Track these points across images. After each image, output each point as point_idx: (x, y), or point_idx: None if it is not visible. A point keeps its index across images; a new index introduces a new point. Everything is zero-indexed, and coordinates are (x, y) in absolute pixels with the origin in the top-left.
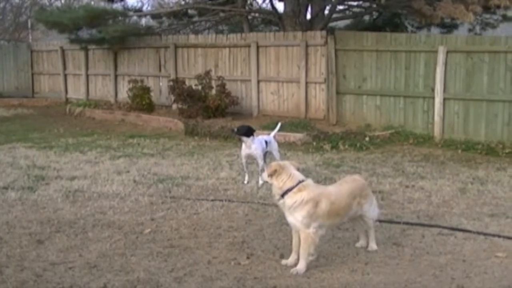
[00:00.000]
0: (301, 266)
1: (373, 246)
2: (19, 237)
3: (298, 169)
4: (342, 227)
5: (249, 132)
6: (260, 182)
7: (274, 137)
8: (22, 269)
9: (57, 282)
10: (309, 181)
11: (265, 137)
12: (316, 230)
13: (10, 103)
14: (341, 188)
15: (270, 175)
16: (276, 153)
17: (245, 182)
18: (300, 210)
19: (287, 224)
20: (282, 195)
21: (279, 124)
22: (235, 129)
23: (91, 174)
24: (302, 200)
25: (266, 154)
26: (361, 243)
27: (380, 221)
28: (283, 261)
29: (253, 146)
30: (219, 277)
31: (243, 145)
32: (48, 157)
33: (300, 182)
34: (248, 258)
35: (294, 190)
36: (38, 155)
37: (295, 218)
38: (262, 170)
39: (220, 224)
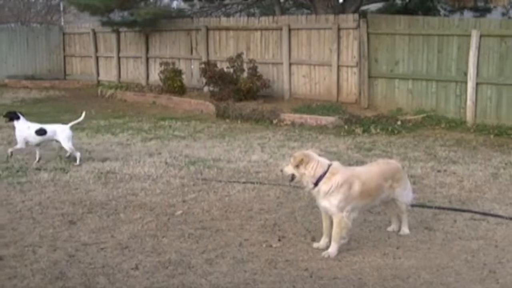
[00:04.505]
0: (333, 249)
1: (405, 230)
2: (51, 217)
3: (319, 154)
4: (373, 211)
5: (13, 116)
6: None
7: (71, 127)
8: (55, 249)
9: (89, 262)
10: (337, 164)
11: (54, 125)
12: (349, 214)
13: (42, 85)
14: (371, 169)
15: (297, 165)
16: (64, 143)
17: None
18: (336, 194)
19: (318, 207)
20: (316, 183)
21: (83, 114)
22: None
23: (123, 155)
24: (337, 184)
25: (51, 142)
26: (392, 227)
27: (412, 205)
28: (315, 244)
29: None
30: (251, 259)
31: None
32: (80, 138)
33: (329, 166)
34: (279, 240)
35: (327, 175)
36: None
37: (330, 203)
38: (11, 153)
39: (252, 207)
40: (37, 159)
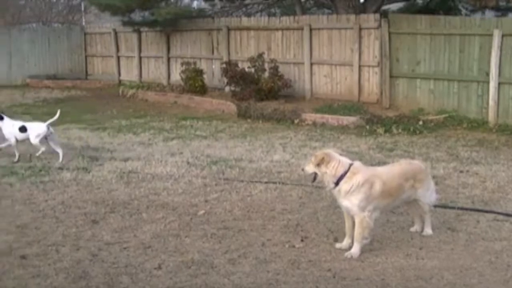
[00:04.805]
0: (355, 250)
1: (428, 231)
2: (74, 217)
3: (340, 154)
4: (396, 211)
5: None
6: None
7: (48, 126)
8: (78, 248)
9: (112, 261)
10: (358, 163)
11: (32, 123)
12: (370, 213)
13: (64, 85)
14: (392, 169)
15: (318, 164)
16: (32, 139)
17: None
18: (357, 193)
19: (340, 207)
20: (337, 182)
21: (58, 112)
22: None
23: (145, 155)
24: (358, 183)
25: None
26: (415, 227)
27: (434, 206)
28: (337, 245)
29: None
30: (273, 259)
31: None
32: (101, 138)
33: (350, 165)
34: (302, 240)
35: (348, 174)
36: (92, 136)
37: (351, 202)
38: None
39: (274, 207)
40: (16, 157)
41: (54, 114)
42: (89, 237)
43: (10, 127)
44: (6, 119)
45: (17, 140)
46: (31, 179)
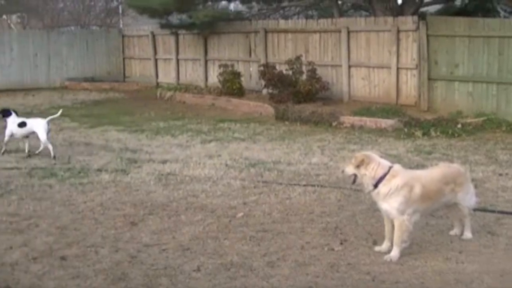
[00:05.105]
0: (395, 253)
1: (468, 234)
2: (113, 218)
3: (381, 156)
4: (435, 215)
5: (4, 113)
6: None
7: (48, 122)
8: (117, 250)
9: (151, 263)
10: (398, 166)
11: (33, 119)
12: (410, 217)
13: (102, 87)
14: (432, 172)
15: (358, 166)
16: (41, 135)
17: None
18: (396, 196)
19: (379, 211)
20: (376, 185)
21: (60, 111)
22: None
23: (183, 157)
24: (397, 186)
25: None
26: (455, 231)
27: (474, 209)
28: (376, 248)
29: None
30: (312, 262)
31: None
32: (139, 140)
33: (390, 168)
34: (341, 243)
35: (387, 177)
36: (130, 138)
37: (390, 205)
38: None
39: (313, 209)
40: (26, 151)
41: (92, 116)
42: (128, 238)
43: (12, 123)
44: (13, 115)
45: (12, 135)
46: (70, 181)
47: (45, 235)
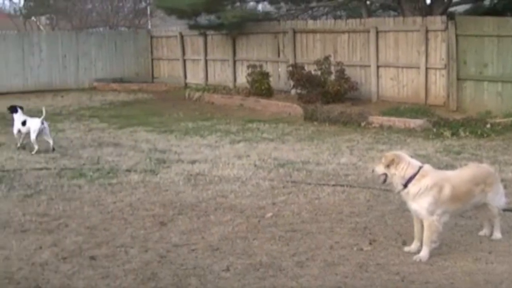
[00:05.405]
0: (424, 254)
1: (497, 235)
2: (142, 218)
3: (411, 156)
4: (465, 215)
5: (11, 110)
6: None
7: (42, 121)
8: (146, 250)
9: (180, 263)
10: (428, 166)
11: (31, 118)
12: (439, 217)
13: (130, 88)
14: (463, 173)
15: (388, 165)
16: (31, 134)
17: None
18: (426, 196)
19: (409, 211)
20: (405, 184)
21: (43, 109)
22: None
23: (212, 158)
24: (426, 186)
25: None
26: (484, 231)
27: (503, 209)
28: (406, 248)
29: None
30: (341, 262)
31: None
32: (168, 140)
33: (420, 168)
34: (370, 244)
35: (417, 177)
36: (159, 138)
37: (420, 206)
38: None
39: (342, 210)
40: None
41: (120, 116)
42: (157, 239)
43: (17, 120)
44: (19, 113)
45: (20, 132)
46: (99, 181)
47: (74, 235)
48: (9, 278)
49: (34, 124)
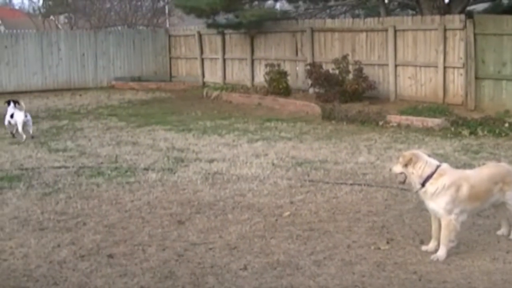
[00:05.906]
0: (442, 253)
1: None
2: (160, 217)
3: (429, 155)
4: (482, 214)
5: (8, 103)
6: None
7: (26, 114)
8: (164, 248)
9: (198, 262)
10: (446, 165)
11: (17, 112)
12: (457, 217)
13: (149, 86)
14: (481, 172)
15: (406, 164)
16: (18, 125)
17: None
18: (443, 195)
19: (427, 210)
20: (423, 183)
21: (21, 102)
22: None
23: (230, 156)
24: (444, 185)
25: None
26: (502, 231)
27: None
28: (423, 247)
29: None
30: (359, 261)
31: None
32: (186, 139)
33: (438, 167)
34: (388, 243)
35: (435, 176)
36: (177, 137)
37: (437, 205)
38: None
39: (359, 209)
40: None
41: (139, 115)
42: (175, 237)
43: (8, 113)
44: (11, 106)
45: (10, 123)
46: (117, 180)
47: (92, 234)
48: (28, 276)
49: (19, 116)
